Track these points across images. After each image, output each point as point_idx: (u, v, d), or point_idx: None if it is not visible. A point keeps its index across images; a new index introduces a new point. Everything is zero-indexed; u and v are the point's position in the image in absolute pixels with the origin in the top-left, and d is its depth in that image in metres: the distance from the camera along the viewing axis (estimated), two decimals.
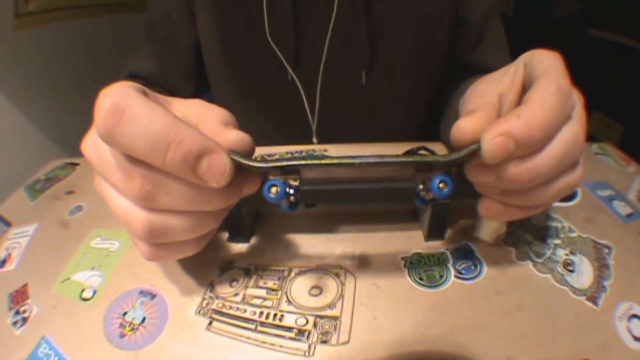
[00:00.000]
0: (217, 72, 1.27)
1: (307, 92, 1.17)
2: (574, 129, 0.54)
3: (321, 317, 0.66)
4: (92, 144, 0.53)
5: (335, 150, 1.08)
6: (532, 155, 0.51)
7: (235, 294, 0.70)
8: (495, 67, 0.67)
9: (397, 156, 0.53)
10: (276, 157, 1.07)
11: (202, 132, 0.49)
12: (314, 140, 1.23)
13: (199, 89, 1.37)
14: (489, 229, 0.81)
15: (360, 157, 0.52)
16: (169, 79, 1.28)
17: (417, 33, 1.15)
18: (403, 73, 1.19)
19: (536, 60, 0.56)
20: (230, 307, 0.68)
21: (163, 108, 0.47)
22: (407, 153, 1.04)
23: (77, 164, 1.12)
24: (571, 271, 0.72)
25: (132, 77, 1.27)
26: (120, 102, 0.44)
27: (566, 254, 0.75)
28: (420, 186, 0.56)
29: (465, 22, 1.20)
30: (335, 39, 1.10)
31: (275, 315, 0.66)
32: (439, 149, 1.06)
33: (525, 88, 0.57)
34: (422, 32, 1.15)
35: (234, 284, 0.72)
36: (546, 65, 0.54)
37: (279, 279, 0.72)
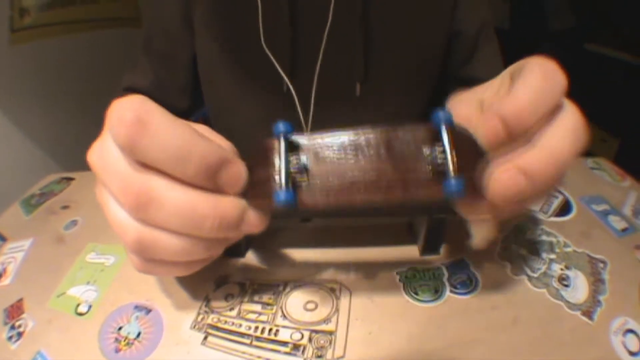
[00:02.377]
0: (214, 84, 1.27)
1: (302, 103, 1.16)
2: (567, 116, 0.53)
3: (316, 331, 0.65)
4: (100, 152, 0.53)
5: None
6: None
7: (231, 309, 0.70)
8: (487, 80, 0.67)
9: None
10: None
11: (219, 145, 0.52)
12: None
13: (193, 104, 1.38)
14: (479, 233, 0.81)
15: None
16: (165, 93, 1.28)
17: (412, 46, 1.15)
18: (397, 85, 1.19)
19: (523, 63, 0.55)
20: (226, 322, 0.68)
21: (183, 122, 0.49)
22: None
23: (72, 179, 1.12)
24: (566, 286, 0.72)
25: (129, 91, 1.27)
26: (143, 115, 0.45)
27: (561, 269, 0.76)
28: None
29: (459, 36, 1.20)
30: (330, 49, 1.10)
31: (270, 329, 0.66)
32: None
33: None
34: (417, 45, 1.15)
35: (229, 298, 0.72)
36: (533, 63, 0.53)
37: (274, 294, 0.72)
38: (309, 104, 1.16)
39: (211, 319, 0.68)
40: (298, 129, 1.12)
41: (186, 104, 1.34)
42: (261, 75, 1.15)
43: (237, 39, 1.14)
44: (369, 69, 1.13)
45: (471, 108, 0.57)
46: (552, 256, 0.78)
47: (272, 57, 1.10)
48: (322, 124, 1.09)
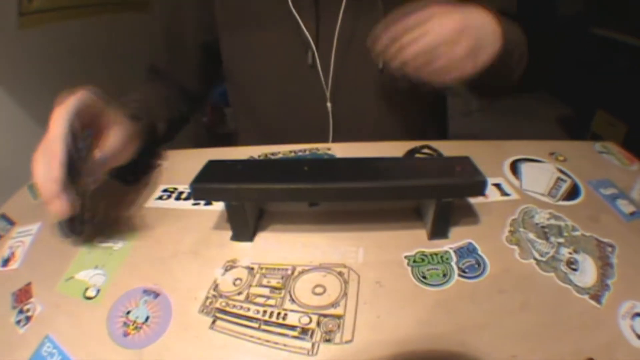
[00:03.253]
0: (238, 64, 1.29)
1: (325, 75, 1.19)
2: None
3: (325, 315, 0.66)
4: None
5: (339, 150, 1.08)
6: None
7: (239, 293, 0.70)
8: None
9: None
10: (280, 155, 1.07)
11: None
12: (330, 119, 1.24)
13: (206, 88, 1.46)
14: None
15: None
16: (177, 75, 1.34)
17: None
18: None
19: None
20: (234, 306, 0.68)
21: None
22: (411, 152, 1.05)
23: None
24: (575, 270, 0.72)
25: (152, 68, 1.39)
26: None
27: (570, 253, 0.75)
28: None
29: None
30: (349, 22, 1.13)
31: (278, 314, 0.66)
32: (440, 146, 1.06)
33: None
34: None
35: (238, 282, 0.72)
36: None
37: (282, 278, 0.72)
38: (332, 79, 1.19)
39: (219, 303, 0.69)
40: (322, 103, 1.12)
41: (197, 87, 1.40)
42: (286, 47, 1.18)
43: (263, 8, 1.17)
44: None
45: None
46: (561, 240, 0.78)
47: (299, 21, 1.12)
48: (346, 98, 1.16)
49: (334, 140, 1.23)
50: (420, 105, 1.30)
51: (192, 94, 1.41)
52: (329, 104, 1.21)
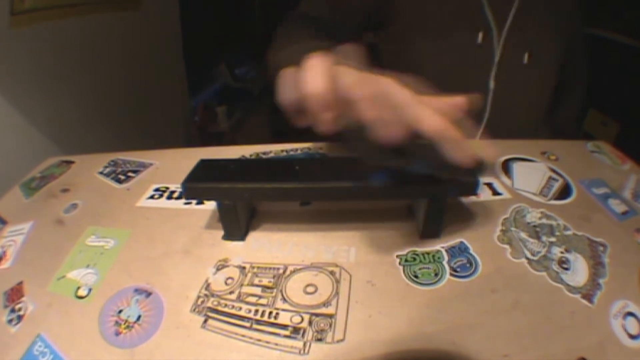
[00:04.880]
0: (409, 39, 1.31)
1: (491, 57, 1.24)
2: None
3: (316, 315, 0.66)
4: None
5: (331, 149, 1.08)
6: None
7: (231, 292, 0.70)
8: None
9: None
10: (271, 154, 1.07)
11: None
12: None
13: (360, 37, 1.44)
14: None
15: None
16: (337, 24, 1.31)
17: (562, 27, 1.28)
18: (549, 62, 1.28)
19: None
20: (226, 305, 0.68)
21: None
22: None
23: (72, 162, 1.12)
24: (566, 269, 0.72)
25: (302, 16, 1.32)
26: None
27: (561, 252, 0.76)
28: None
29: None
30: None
31: (270, 313, 0.66)
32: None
33: None
34: (565, 28, 1.29)
35: (229, 281, 0.72)
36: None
37: (274, 277, 0.72)
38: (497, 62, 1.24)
39: (211, 302, 0.68)
40: (484, 86, 1.23)
41: (353, 37, 1.36)
42: (459, 26, 1.22)
43: None
44: (534, 42, 1.23)
45: None
46: (552, 239, 0.78)
47: (486, 4, 1.19)
48: (502, 86, 1.23)
49: (489, 123, 1.29)
50: (543, 104, 1.36)
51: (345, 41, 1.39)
52: (492, 83, 1.25)
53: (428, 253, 0.76)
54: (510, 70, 1.23)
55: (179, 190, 0.95)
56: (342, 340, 0.62)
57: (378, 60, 1.42)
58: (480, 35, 1.20)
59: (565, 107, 1.43)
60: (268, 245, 0.79)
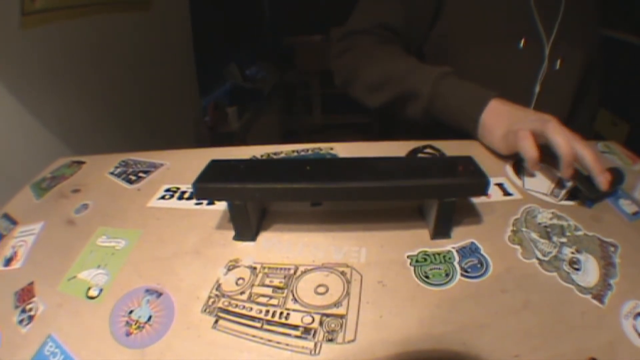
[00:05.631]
0: (456, 41, 1.33)
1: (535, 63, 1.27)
2: None
3: (327, 315, 0.66)
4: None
5: (342, 149, 1.08)
6: None
7: (241, 292, 0.70)
8: None
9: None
10: (282, 155, 1.07)
11: None
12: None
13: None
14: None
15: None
16: (412, 29, 1.35)
17: (591, 35, 1.32)
18: (577, 69, 1.32)
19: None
20: (237, 306, 0.68)
21: None
22: (413, 151, 1.05)
23: (83, 162, 1.13)
24: (577, 269, 0.72)
25: (381, 26, 1.35)
26: None
27: (572, 252, 0.75)
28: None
29: None
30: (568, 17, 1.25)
31: (281, 313, 0.66)
32: (443, 146, 1.06)
33: None
34: (593, 36, 1.34)
35: (240, 282, 0.72)
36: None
37: (285, 277, 0.72)
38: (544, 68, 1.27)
39: (222, 302, 0.69)
40: (529, 91, 1.27)
41: (416, 47, 1.42)
42: (507, 31, 1.25)
43: None
44: (567, 46, 1.26)
45: None
46: (563, 240, 0.78)
47: (535, 13, 1.22)
48: (547, 89, 1.26)
49: None
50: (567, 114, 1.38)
51: (415, 44, 1.43)
52: (537, 87, 1.28)
53: (439, 253, 0.76)
54: (548, 76, 1.26)
55: (190, 190, 0.96)
56: (353, 340, 0.62)
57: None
58: (523, 41, 1.22)
59: (583, 109, 1.44)
60: (279, 246, 0.79)
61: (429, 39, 1.37)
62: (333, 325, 0.64)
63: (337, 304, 0.67)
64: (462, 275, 0.71)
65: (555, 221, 0.82)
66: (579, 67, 1.29)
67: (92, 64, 1.93)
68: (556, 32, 1.22)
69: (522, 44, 1.22)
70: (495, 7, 1.23)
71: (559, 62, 1.23)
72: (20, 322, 0.68)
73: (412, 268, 0.73)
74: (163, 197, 0.94)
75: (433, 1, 1.30)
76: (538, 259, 0.74)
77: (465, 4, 1.27)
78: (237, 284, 0.72)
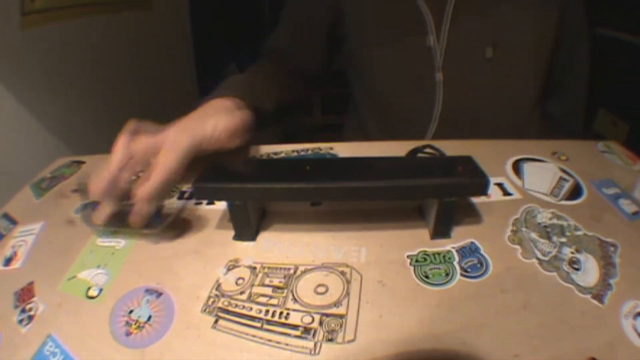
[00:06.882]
0: (363, 47, 1.37)
1: (437, 52, 1.25)
2: None
3: (327, 315, 0.66)
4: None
5: (342, 149, 1.08)
6: None
7: (241, 292, 0.70)
8: None
9: None
10: (282, 155, 1.07)
11: None
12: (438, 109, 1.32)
13: (324, 71, 1.52)
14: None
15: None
16: (298, 57, 1.41)
17: (533, 20, 1.24)
18: (525, 54, 1.28)
19: None
20: (236, 305, 0.68)
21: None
22: (413, 151, 1.05)
23: (83, 162, 1.13)
24: (577, 269, 0.72)
25: (269, 50, 1.46)
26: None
27: (572, 252, 0.75)
28: None
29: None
30: (461, 12, 1.21)
31: (281, 313, 0.66)
32: (442, 146, 1.06)
33: None
34: (537, 20, 1.24)
35: (240, 282, 0.72)
36: None
37: (284, 277, 0.72)
38: (443, 57, 1.26)
39: (222, 302, 0.69)
40: (432, 85, 1.27)
41: (314, 70, 1.47)
42: (408, 30, 1.26)
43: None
44: (499, 34, 1.23)
45: None
46: (563, 240, 0.78)
47: (426, 9, 1.22)
48: (455, 81, 1.25)
49: (440, 121, 1.32)
50: (523, 103, 1.36)
51: (308, 75, 1.48)
52: (439, 74, 1.27)
53: (439, 253, 0.76)
54: (470, 65, 1.26)
55: (190, 190, 0.96)
56: (353, 340, 0.62)
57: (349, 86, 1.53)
58: (414, 34, 1.25)
59: (560, 104, 1.44)
60: (279, 246, 0.79)
61: (348, 56, 1.44)
62: (333, 325, 0.64)
63: (337, 303, 0.67)
64: (462, 275, 0.71)
65: (555, 221, 0.82)
66: (529, 56, 1.27)
67: (92, 64, 1.93)
68: (450, 22, 1.21)
69: (417, 35, 1.24)
70: (387, 10, 1.26)
71: (490, 49, 1.23)
72: (20, 321, 0.68)
73: (412, 268, 0.73)
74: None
75: (325, 26, 1.36)
76: (538, 258, 0.74)
77: (360, 13, 1.31)
78: (237, 283, 0.72)
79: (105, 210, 0.78)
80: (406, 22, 1.26)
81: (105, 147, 0.84)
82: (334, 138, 1.18)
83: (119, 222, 0.80)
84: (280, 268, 0.74)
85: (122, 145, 0.79)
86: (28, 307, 0.71)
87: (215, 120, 0.80)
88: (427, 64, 1.27)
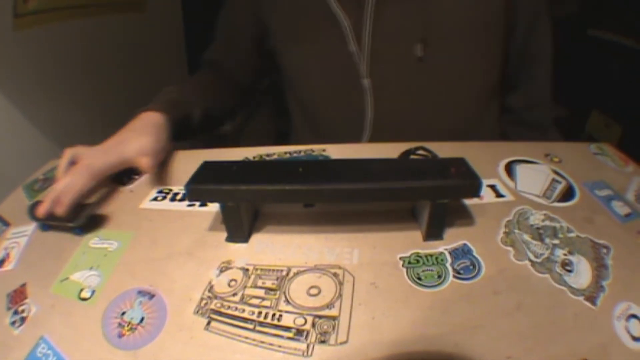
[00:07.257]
0: (286, 56, 1.37)
1: (365, 63, 1.22)
2: None
3: (320, 317, 0.66)
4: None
5: (334, 151, 1.08)
6: None
7: (234, 294, 0.70)
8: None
9: None
10: (275, 156, 1.07)
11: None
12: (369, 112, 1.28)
13: (255, 80, 1.58)
14: None
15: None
16: (230, 68, 1.47)
17: (468, 10, 1.17)
18: (459, 50, 1.22)
19: None
20: (229, 307, 0.68)
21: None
22: (406, 153, 1.05)
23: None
24: (569, 271, 0.72)
25: (207, 61, 1.51)
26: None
27: (565, 254, 0.76)
28: None
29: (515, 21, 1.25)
30: (387, 9, 1.16)
31: (273, 315, 0.66)
32: (435, 147, 1.06)
33: None
34: (473, 10, 1.17)
35: (233, 283, 0.72)
36: None
37: (277, 279, 0.72)
38: (368, 59, 1.22)
39: (214, 304, 0.69)
40: (360, 91, 1.23)
41: (247, 80, 1.52)
42: (326, 37, 1.23)
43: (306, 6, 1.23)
44: (429, 30, 1.17)
45: None
46: (556, 241, 0.78)
47: (341, 14, 1.18)
48: (385, 85, 1.21)
49: (374, 127, 1.29)
50: (466, 102, 1.31)
51: (242, 85, 1.53)
52: (366, 80, 1.23)
53: (431, 255, 0.76)
54: (399, 67, 1.21)
55: (183, 192, 0.95)
56: (345, 342, 0.62)
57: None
58: (341, 38, 1.21)
59: (522, 96, 1.39)
60: (271, 247, 0.79)
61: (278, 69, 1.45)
62: (325, 327, 0.64)
63: (329, 305, 0.67)
64: (454, 276, 0.71)
65: (547, 223, 0.83)
66: (469, 52, 1.22)
67: (85, 66, 1.93)
68: (373, 23, 1.17)
69: (334, 45, 1.22)
70: (304, 20, 1.25)
71: (419, 47, 1.17)
72: (13, 323, 0.68)
73: (404, 270, 0.73)
74: (156, 199, 0.94)
75: (253, 40, 1.39)
76: (530, 260, 0.74)
77: (280, 25, 1.31)
78: (229, 285, 0.72)
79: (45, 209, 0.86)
80: (324, 29, 1.23)
81: None
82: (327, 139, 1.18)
83: (52, 219, 0.86)
84: (273, 270, 0.74)
85: (61, 171, 0.93)
86: (20, 308, 0.71)
87: (136, 145, 0.96)
88: (351, 71, 1.24)
